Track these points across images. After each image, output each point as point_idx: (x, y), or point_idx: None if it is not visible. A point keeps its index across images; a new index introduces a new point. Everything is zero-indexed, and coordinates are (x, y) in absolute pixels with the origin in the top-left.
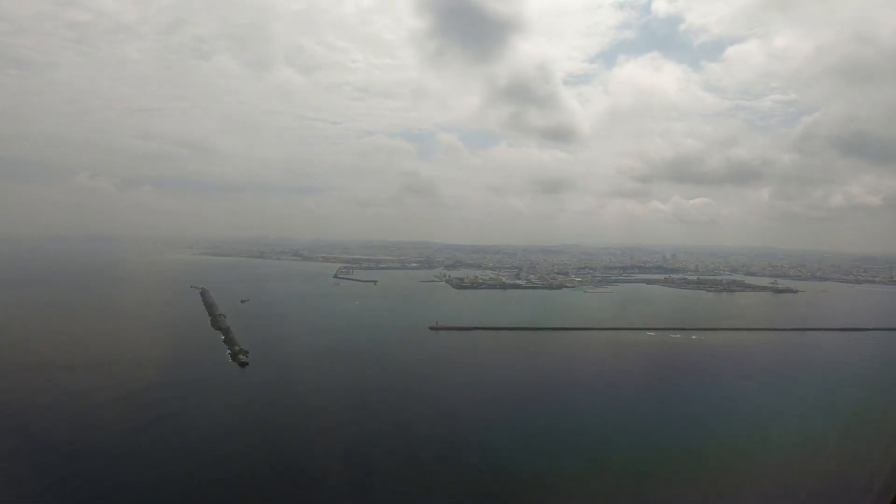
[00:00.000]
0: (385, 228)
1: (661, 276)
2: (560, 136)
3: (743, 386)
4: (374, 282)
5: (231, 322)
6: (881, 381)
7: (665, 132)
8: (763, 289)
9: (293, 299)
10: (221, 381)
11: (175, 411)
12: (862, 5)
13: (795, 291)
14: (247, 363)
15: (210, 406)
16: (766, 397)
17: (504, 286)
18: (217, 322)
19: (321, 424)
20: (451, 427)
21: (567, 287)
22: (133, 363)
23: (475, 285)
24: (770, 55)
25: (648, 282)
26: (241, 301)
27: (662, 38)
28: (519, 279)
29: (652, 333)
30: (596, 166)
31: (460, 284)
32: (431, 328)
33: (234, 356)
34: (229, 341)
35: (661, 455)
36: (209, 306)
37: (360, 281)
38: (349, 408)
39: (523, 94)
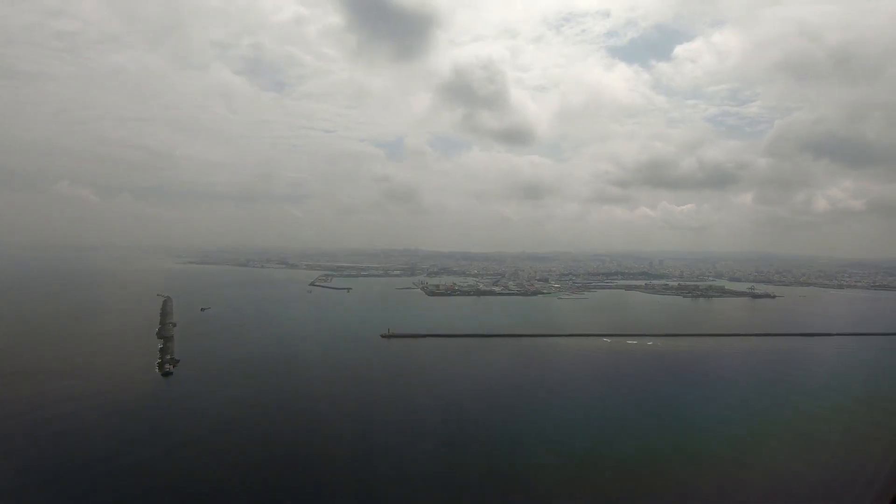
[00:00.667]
0: (377, 237)
1: (643, 283)
2: (518, 138)
3: (671, 391)
4: (348, 289)
5: (180, 330)
6: (819, 388)
7: (631, 134)
8: (741, 294)
9: (257, 307)
10: (135, 392)
11: (74, 424)
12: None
13: (773, 297)
14: (171, 373)
15: (113, 418)
16: (686, 402)
17: (479, 293)
18: (164, 330)
19: (229, 436)
20: (364, 435)
21: (542, 294)
22: (48, 373)
23: (450, 292)
24: (718, 53)
25: (628, 288)
26: (202, 309)
27: (613, 39)
28: (496, 286)
29: (608, 340)
30: (572, 170)
31: (435, 292)
32: (383, 336)
33: (161, 365)
34: (165, 350)
35: (574, 459)
36: (165, 314)
37: (334, 289)
38: (261, 417)
39: (471, 94)
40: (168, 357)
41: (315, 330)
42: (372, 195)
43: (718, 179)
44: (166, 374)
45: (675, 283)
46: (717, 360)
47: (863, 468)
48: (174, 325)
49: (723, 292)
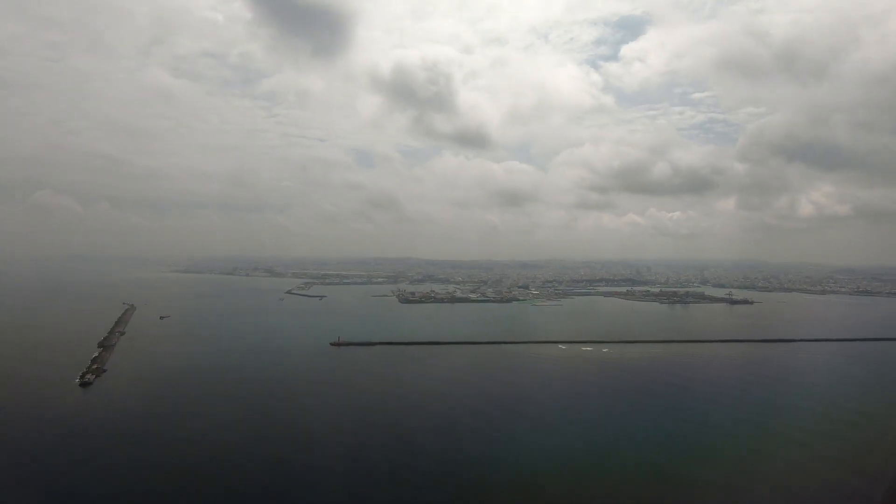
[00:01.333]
0: (371, 246)
1: (625, 289)
2: (477, 141)
3: (605, 398)
4: (322, 297)
5: (127, 340)
6: (759, 396)
7: (596, 139)
8: (719, 300)
9: (220, 316)
10: (43, 402)
11: None
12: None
13: (751, 303)
14: (90, 383)
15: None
16: (616, 410)
17: (454, 300)
18: (108, 340)
19: (119, 450)
20: (285, 449)
21: (518, 301)
22: None
23: (423, 300)
24: (669, 52)
25: (608, 295)
26: (161, 318)
27: (563, 40)
28: (473, 293)
29: (563, 347)
30: (547, 177)
31: (409, 299)
32: (333, 344)
33: (82, 375)
34: (97, 360)
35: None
36: (119, 323)
37: (308, 297)
38: (165, 429)
39: (417, 96)
40: (94, 367)
41: (266, 339)
42: (353, 204)
43: (696, 185)
44: (85, 385)
45: (657, 290)
46: (665, 366)
47: (801, 477)
48: (123, 334)
49: (701, 298)
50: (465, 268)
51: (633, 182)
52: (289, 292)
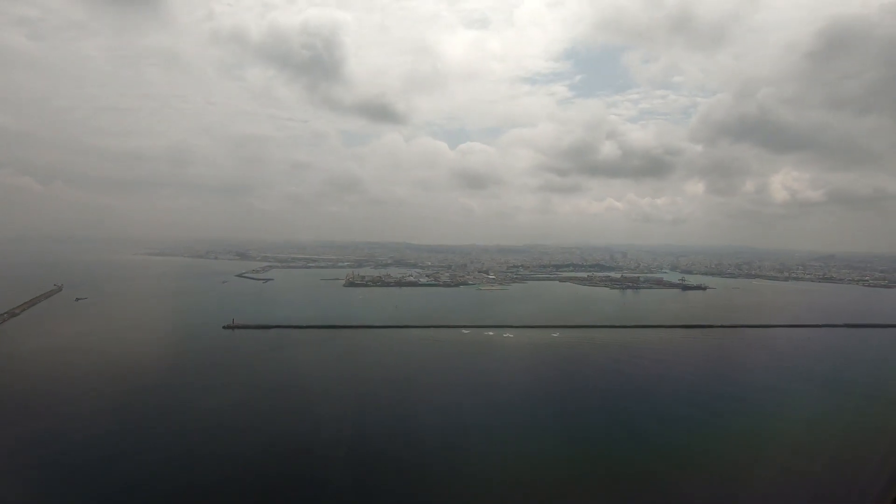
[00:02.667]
0: (357, 230)
1: (586, 275)
2: (383, 114)
3: (468, 383)
4: (267, 280)
5: (18, 321)
6: (632, 383)
7: (529, 116)
8: (674, 286)
9: (140, 298)
10: None
11: None
12: None
13: (704, 289)
14: None
15: None
16: (476, 393)
17: (400, 284)
18: None
19: None
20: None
21: (466, 285)
22: None
23: (370, 283)
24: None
25: (564, 279)
26: (76, 299)
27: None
28: (425, 278)
29: (467, 332)
30: (500, 157)
31: (354, 283)
32: (226, 327)
33: None
34: None
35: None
36: (25, 305)
37: (254, 279)
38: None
39: (304, 63)
40: None
41: (163, 320)
42: (313, 185)
43: (653, 167)
44: None
45: (619, 276)
46: (553, 349)
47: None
48: (15, 315)
49: (657, 284)
50: (445, 252)
51: (588, 164)
52: (239, 275)
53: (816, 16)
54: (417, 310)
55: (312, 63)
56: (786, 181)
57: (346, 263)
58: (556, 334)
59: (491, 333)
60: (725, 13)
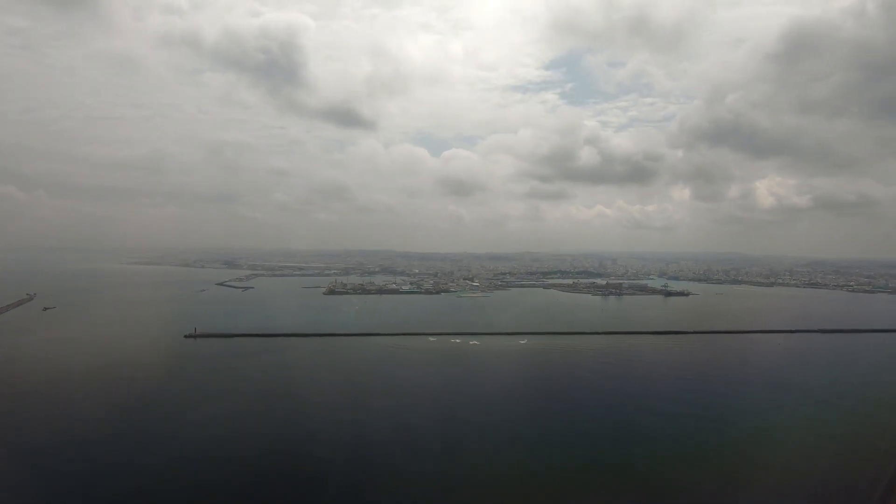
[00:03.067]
0: (352, 239)
1: (571, 282)
2: (350, 119)
3: (416, 389)
4: (247, 289)
5: None
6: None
7: (507, 124)
8: (657, 292)
9: (111, 307)
10: None
11: None
12: None
13: (687, 295)
14: None
15: None
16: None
17: (381, 291)
18: None
19: None
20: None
21: (448, 292)
22: None
23: (350, 291)
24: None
25: (548, 286)
26: (44, 308)
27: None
28: (406, 285)
29: (433, 339)
30: (482, 164)
31: (334, 291)
32: (187, 336)
33: None
34: None
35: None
36: None
37: (234, 288)
38: None
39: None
40: None
41: (126, 330)
42: (299, 192)
43: (636, 173)
44: None
45: (604, 282)
46: (515, 357)
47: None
48: None
49: (641, 290)
50: (436, 260)
51: (569, 170)
52: (221, 284)
53: (777, 16)
54: (390, 317)
55: (271, 66)
56: (771, 187)
57: (333, 271)
58: (523, 341)
59: (458, 341)
60: (682, 14)
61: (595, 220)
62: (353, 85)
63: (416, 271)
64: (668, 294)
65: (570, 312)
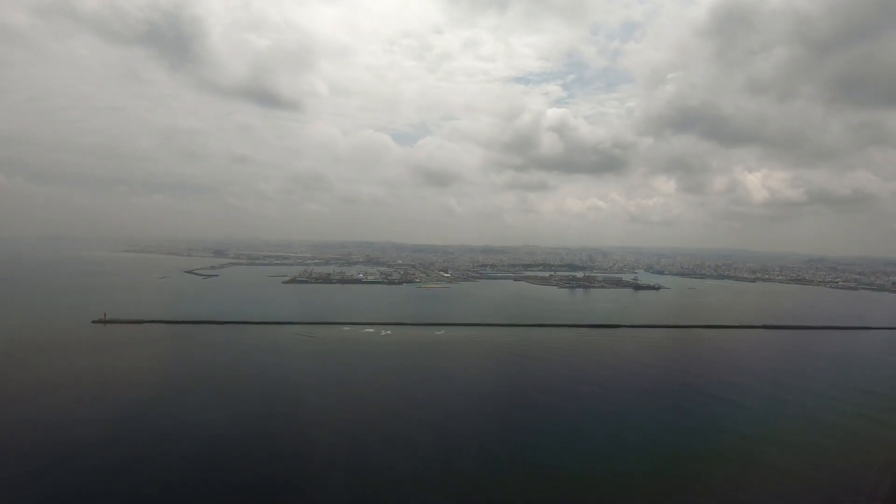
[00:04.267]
0: (353, 230)
1: (548, 274)
2: (268, 98)
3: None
4: (211, 276)
5: None
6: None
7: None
8: (627, 285)
9: (42, 293)
10: None
11: None
12: None
13: (658, 289)
14: None
15: None
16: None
17: (343, 281)
18: None
19: None
20: None
21: (412, 283)
22: None
23: (312, 280)
24: None
25: (519, 278)
26: None
27: None
28: (369, 276)
29: (347, 328)
30: (447, 153)
31: (295, 280)
32: (95, 322)
33: None
34: None
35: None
36: None
37: (200, 275)
38: None
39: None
40: None
41: (37, 315)
42: (276, 182)
43: (607, 162)
44: None
45: (581, 275)
46: (418, 348)
47: None
48: None
49: (613, 284)
50: (430, 252)
51: (537, 158)
52: (189, 272)
53: None
54: (323, 307)
55: (171, 42)
56: (759, 179)
57: (315, 261)
58: (440, 332)
59: (370, 330)
60: None
61: (590, 214)
62: (258, 60)
63: (399, 262)
64: (638, 288)
65: (517, 304)
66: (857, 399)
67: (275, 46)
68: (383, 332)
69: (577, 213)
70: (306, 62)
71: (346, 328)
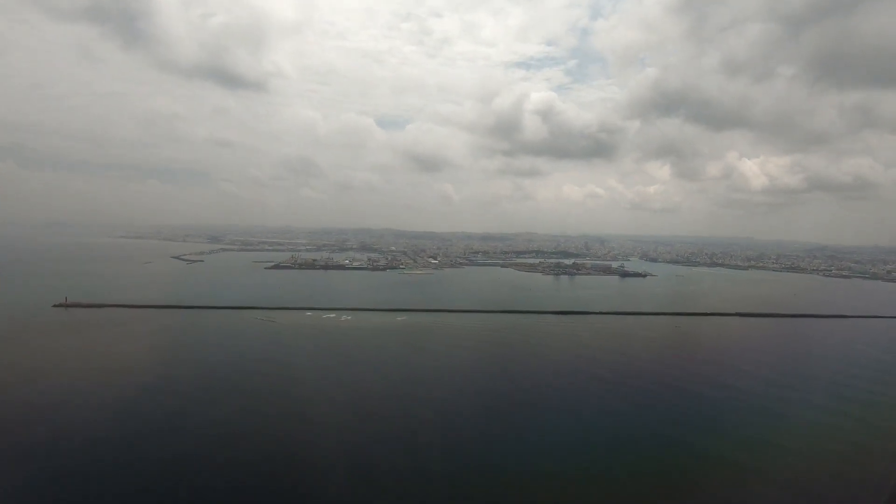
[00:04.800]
0: (356, 217)
1: (537, 261)
2: (228, 78)
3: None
4: (195, 262)
5: None
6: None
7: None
8: (614, 272)
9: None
10: None
11: None
12: None
13: (644, 276)
14: None
15: None
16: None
17: (327, 267)
18: None
19: None
20: None
21: (396, 269)
22: None
23: (295, 266)
24: None
25: (506, 265)
26: None
27: None
28: (354, 262)
29: (309, 314)
30: (435, 138)
31: (279, 266)
32: (56, 305)
33: None
34: None
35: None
36: None
37: (185, 261)
38: None
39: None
40: None
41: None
42: (268, 168)
43: (596, 146)
44: None
45: (570, 262)
46: (393, 335)
47: None
48: None
49: (601, 271)
50: (429, 239)
51: (524, 143)
52: (176, 257)
53: None
54: (295, 292)
55: (118, 17)
56: (757, 165)
57: (308, 248)
58: (401, 318)
59: (331, 315)
60: None
61: (589, 202)
62: (210, 38)
63: (393, 248)
64: (625, 275)
65: (493, 291)
66: (812, 387)
67: (230, 23)
68: (343, 318)
69: (577, 200)
70: (262, 40)
71: (309, 313)
